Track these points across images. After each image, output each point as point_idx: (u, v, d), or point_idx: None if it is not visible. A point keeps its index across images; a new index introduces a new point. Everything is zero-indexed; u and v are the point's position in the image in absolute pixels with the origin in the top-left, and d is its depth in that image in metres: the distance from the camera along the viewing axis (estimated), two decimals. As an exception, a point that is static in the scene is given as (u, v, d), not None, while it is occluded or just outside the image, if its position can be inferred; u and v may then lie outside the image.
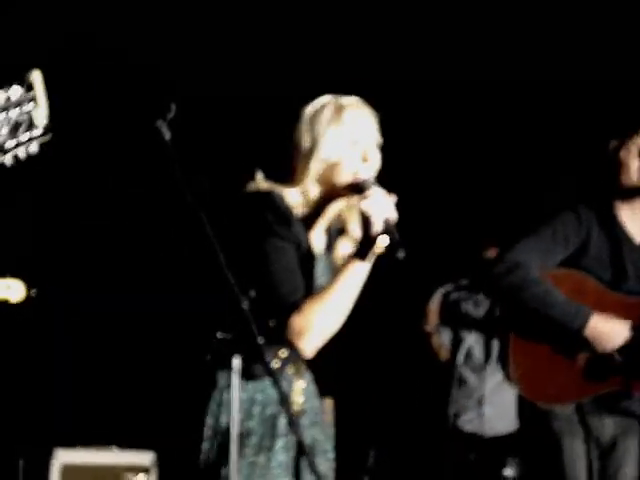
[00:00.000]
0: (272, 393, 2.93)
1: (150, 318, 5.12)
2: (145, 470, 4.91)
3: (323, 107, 3.06)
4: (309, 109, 3.06)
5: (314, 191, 3.02)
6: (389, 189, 2.95)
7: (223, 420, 2.90)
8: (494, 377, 5.38)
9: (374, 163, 3.04)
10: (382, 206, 2.91)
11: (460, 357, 5.33)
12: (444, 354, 5.40)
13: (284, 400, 2.71)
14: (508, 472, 5.02)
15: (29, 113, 2.39)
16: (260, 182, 3.03)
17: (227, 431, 2.80)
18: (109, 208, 5.09)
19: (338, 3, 5.24)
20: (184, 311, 4.77)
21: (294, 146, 3.05)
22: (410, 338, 5.54)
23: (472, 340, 5.40)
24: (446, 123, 5.61)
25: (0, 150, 2.40)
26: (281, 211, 2.95)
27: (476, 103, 5.53)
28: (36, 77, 2.39)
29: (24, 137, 2.40)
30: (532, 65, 5.39)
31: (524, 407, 4.11)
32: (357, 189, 2.98)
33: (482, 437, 5.28)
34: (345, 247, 3.11)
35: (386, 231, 2.89)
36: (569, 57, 5.38)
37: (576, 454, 3.99)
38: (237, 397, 2.66)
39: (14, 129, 2.39)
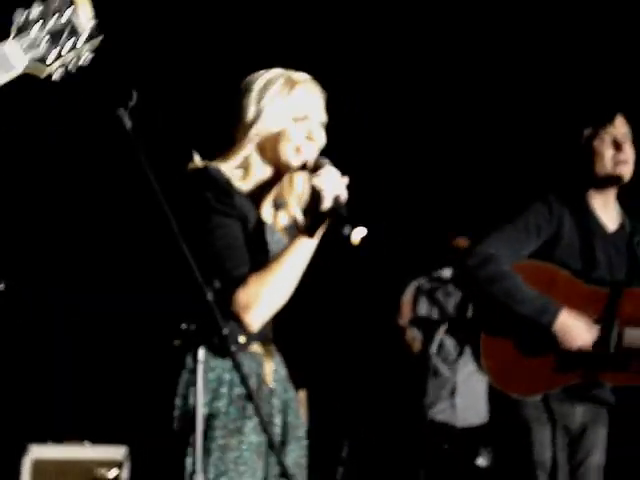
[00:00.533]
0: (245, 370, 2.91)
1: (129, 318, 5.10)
2: (118, 464, 4.88)
3: (273, 79, 3.05)
4: (258, 80, 3.05)
5: (257, 163, 3.02)
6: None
7: (191, 401, 2.86)
8: (466, 368, 5.38)
9: (319, 142, 3.04)
10: (334, 183, 2.91)
11: (433, 348, 5.33)
12: (417, 346, 5.39)
13: (244, 380, 2.69)
14: (481, 462, 5.02)
15: (70, 19, 2.31)
16: (197, 161, 3.01)
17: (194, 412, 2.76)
18: (83, 205, 5.06)
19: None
20: (155, 310, 4.76)
21: (237, 118, 3.04)
22: (384, 330, 5.52)
23: (444, 332, 5.39)
24: (418, 113, 5.59)
25: (42, 62, 2.31)
26: (219, 185, 2.94)
27: (448, 90, 5.51)
28: None
29: (67, 45, 2.32)
30: (505, 52, 5.38)
31: (495, 396, 4.13)
32: (309, 168, 2.99)
33: (454, 427, 5.28)
34: (283, 219, 3.12)
35: (335, 207, 2.89)
36: (543, 45, 5.36)
37: (545, 441, 4.02)
38: (201, 388, 2.62)
39: (54, 39, 2.30)
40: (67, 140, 4.65)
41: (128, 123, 2.60)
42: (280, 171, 3.06)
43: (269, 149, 3.03)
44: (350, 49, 5.30)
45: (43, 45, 2.30)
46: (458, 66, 5.47)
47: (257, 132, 3.01)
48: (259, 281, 2.88)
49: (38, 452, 4.87)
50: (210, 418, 2.88)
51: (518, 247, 4.01)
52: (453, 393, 5.33)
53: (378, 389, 5.59)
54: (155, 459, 3.02)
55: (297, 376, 3.11)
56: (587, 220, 4.10)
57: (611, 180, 4.09)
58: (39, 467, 4.85)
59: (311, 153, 3.01)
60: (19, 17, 2.31)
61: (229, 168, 3.00)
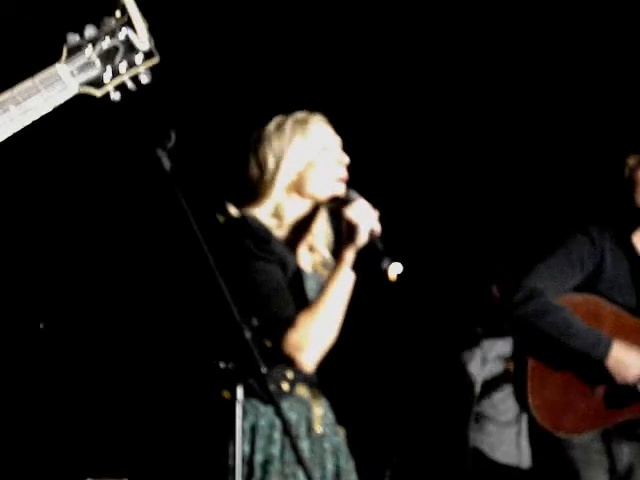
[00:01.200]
0: (292, 417, 2.94)
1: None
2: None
3: (281, 123, 3.09)
4: (267, 129, 3.09)
5: (289, 207, 3.05)
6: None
7: (246, 449, 2.91)
8: None
9: (346, 163, 3.08)
10: (368, 217, 2.95)
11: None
12: None
13: (287, 426, 2.68)
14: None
15: (125, 39, 2.32)
16: (232, 210, 3.03)
17: (250, 459, 2.85)
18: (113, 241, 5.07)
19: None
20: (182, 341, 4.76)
21: (258, 169, 3.06)
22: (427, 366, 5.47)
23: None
24: (450, 145, 5.56)
25: (98, 83, 2.33)
26: (259, 233, 2.97)
27: (483, 116, 5.48)
28: (127, 1, 2.32)
29: (124, 64, 2.33)
30: (548, 82, 5.35)
31: (540, 437, 4.03)
32: (340, 201, 3.02)
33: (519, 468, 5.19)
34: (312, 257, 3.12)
35: (371, 241, 2.93)
36: (584, 71, 5.34)
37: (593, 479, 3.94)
38: (240, 427, 2.61)
39: (110, 58, 2.32)
40: (106, 180, 4.67)
41: (167, 164, 2.61)
42: (312, 211, 3.08)
43: (301, 187, 3.06)
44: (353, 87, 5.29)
45: (97, 65, 2.32)
46: (496, 96, 5.45)
47: (285, 175, 3.04)
48: (307, 320, 2.91)
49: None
50: (265, 464, 2.90)
51: (563, 280, 3.96)
52: (519, 435, 5.21)
53: (418, 422, 5.54)
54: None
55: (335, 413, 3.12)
56: (629, 252, 4.05)
57: None
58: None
59: (346, 189, 3.04)
60: (71, 40, 2.34)
61: (263, 216, 3.02)
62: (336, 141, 3.12)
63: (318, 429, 3.00)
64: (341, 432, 3.11)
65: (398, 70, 5.35)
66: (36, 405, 5.06)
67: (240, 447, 2.62)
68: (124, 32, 2.32)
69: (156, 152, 2.59)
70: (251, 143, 3.11)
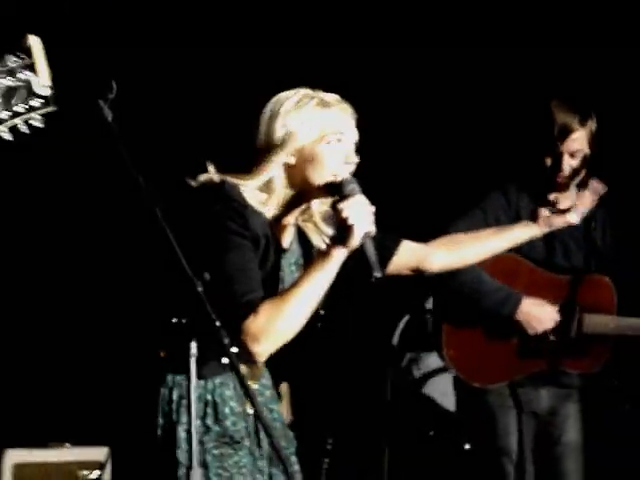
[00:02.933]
0: (225, 393, 2.84)
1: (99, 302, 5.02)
2: (100, 466, 4.81)
3: (303, 100, 2.89)
4: (287, 101, 2.89)
5: (282, 187, 2.87)
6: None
7: (174, 417, 2.81)
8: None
9: (354, 165, 2.89)
10: (365, 217, 2.75)
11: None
12: None
13: (248, 393, 2.59)
14: (469, 446, 5.00)
15: (26, 81, 2.24)
16: (212, 174, 2.86)
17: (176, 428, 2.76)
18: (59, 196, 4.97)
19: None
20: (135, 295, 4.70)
21: (264, 138, 2.89)
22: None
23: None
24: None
25: None
26: (235, 204, 2.79)
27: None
28: (34, 43, 2.24)
29: (20, 107, 2.25)
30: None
31: (459, 384, 4.21)
32: (337, 191, 2.82)
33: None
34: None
35: (363, 247, 2.74)
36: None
37: (509, 426, 4.11)
38: (194, 384, 2.56)
39: (6, 99, 2.24)
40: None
41: (109, 114, 2.53)
42: (304, 195, 2.92)
43: (299, 172, 2.87)
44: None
45: None
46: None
47: (288, 153, 2.86)
48: (271, 311, 2.72)
49: (18, 456, 4.80)
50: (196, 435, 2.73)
51: None
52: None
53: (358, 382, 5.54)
54: (137, 459, 2.97)
55: (279, 369, 3.05)
56: (542, 207, 4.09)
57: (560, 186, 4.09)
58: (19, 471, 4.77)
59: (350, 177, 2.83)
60: None
61: (250, 188, 2.85)
62: (353, 137, 2.91)
63: (249, 408, 2.87)
64: (276, 408, 3.00)
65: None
66: (14, 369, 4.97)
67: (195, 406, 2.56)
68: (26, 74, 2.25)
69: (98, 103, 2.52)
70: (267, 110, 2.91)
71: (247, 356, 2.74)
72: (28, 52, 2.24)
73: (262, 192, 2.87)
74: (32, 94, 2.26)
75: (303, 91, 2.92)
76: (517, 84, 5.16)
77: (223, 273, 2.74)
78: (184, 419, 2.80)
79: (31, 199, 4.93)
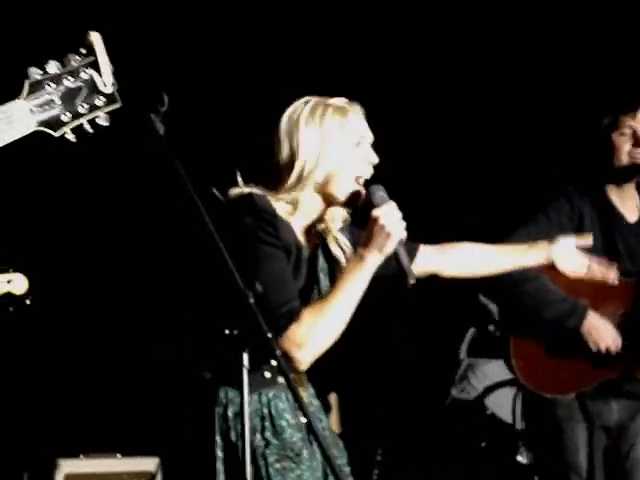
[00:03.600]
0: (279, 405, 2.83)
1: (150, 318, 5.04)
2: (150, 476, 4.83)
3: (316, 109, 2.90)
4: (304, 113, 2.90)
5: (309, 199, 2.89)
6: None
7: (232, 436, 2.80)
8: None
9: (374, 164, 2.93)
10: (398, 224, 2.77)
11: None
12: None
13: (301, 404, 2.56)
14: (521, 458, 4.96)
15: (88, 80, 2.24)
16: (241, 185, 2.88)
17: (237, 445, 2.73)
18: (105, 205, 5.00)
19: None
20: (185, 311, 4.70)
21: (289, 152, 2.88)
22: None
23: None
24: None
25: (56, 122, 2.24)
26: (264, 214, 2.80)
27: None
28: (95, 40, 2.23)
29: (85, 107, 2.25)
30: (521, 41, 5.30)
31: (526, 395, 4.14)
32: (366, 199, 2.85)
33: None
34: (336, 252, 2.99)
35: (397, 254, 2.76)
36: (554, 33, 5.29)
37: (578, 440, 4.01)
38: (247, 395, 2.55)
39: (69, 100, 2.23)
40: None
41: (161, 128, 2.54)
42: (326, 204, 2.93)
43: (327, 187, 2.89)
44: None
45: (58, 105, 2.24)
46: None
47: (321, 176, 2.87)
48: (313, 318, 2.75)
49: (70, 466, 4.83)
50: (257, 450, 2.78)
51: None
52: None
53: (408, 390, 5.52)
54: (187, 470, 2.97)
55: (328, 381, 3.04)
56: (607, 212, 4.08)
57: (628, 173, 4.06)
58: (72, 482, 4.81)
59: (377, 187, 2.85)
60: (33, 75, 2.24)
61: (276, 199, 2.87)
62: (369, 137, 2.94)
63: (302, 419, 2.87)
64: (325, 419, 3.01)
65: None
66: (28, 382, 5.00)
67: (248, 419, 2.55)
68: (88, 72, 2.24)
69: (149, 116, 2.52)
70: (283, 124, 2.91)
71: (289, 364, 2.74)
72: (90, 49, 2.24)
73: (288, 205, 2.89)
74: (96, 92, 2.25)
75: (313, 100, 2.93)
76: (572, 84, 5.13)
77: (263, 284, 2.70)
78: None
79: (85, 210, 4.96)
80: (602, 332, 3.96)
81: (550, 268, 3.88)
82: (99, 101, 2.26)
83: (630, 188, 4.12)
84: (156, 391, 5.02)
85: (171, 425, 4.16)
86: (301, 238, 2.92)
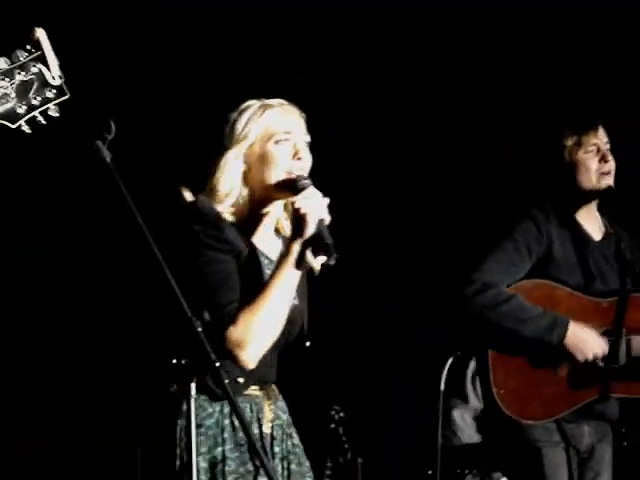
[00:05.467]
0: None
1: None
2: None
3: (247, 106, 3.00)
4: (234, 112, 3.00)
5: (244, 190, 2.95)
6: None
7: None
8: None
9: (306, 162, 2.96)
10: (316, 206, 2.84)
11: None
12: None
13: (245, 426, 2.57)
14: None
15: (38, 74, 2.32)
16: (186, 195, 2.94)
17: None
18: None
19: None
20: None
21: (218, 152, 2.97)
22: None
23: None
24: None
25: (14, 116, 2.31)
26: (210, 219, 2.87)
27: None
28: (41, 35, 2.31)
29: (37, 100, 2.32)
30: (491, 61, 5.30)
31: (500, 419, 4.00)
32: (292, 187, 2.90)
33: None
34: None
35: (319, 233, 2.81)
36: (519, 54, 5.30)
37: (557, 463, 3.96)
38: (194, 422, 2.55)
39: (23, 93, 2.31)
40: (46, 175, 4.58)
41: (108, 155, 2.53)
42: (265, 200, 2.98)
43: (256, 175, 2.95)
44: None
45: (12, 98, 2.31)
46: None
47: (238, 155, 2.95)
48: (247, 317, 2.80)
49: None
50: (216, 465, 2.81)
51: (513, 270, 3.95)
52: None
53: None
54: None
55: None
56: (575, 232, 4.07)
57: (597, 193, 4.05)
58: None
59: (302, 173, 2.93)
60: None
61: (217, 199, 2.93)
62: (301, 135, 2.98)
63: (267, 429, 2.91)
64: (295, 435, 3.02)
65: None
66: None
67: (195, 444, 2.55)
68: (37, 67, 2.33)
69: (95, 144, 2.52)
70: (223, 125, 3.02)
71: (235, 364, 2.80)
72: (37, 45, 2.31)
73: (227, 200, 2.93)
74: (46, 85, 2.33)
75: (249, 101, 3.02)
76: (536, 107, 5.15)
77: (205, 287, 2.82)
78: (203, 449, 2.82)
79: (30, 244, 4.91)
80: (588, 342, 3.90)
81: (523, 290, 3.93)
82: (50, 93, 2.35)
83: (593, 208, 4.11)
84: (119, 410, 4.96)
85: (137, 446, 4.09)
86: (262, 243, 2.98)
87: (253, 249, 2.95)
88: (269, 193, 2.96)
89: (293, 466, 2.95)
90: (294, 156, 2.95)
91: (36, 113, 2.33)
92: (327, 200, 2.86)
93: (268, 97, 3.03)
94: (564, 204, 4.07)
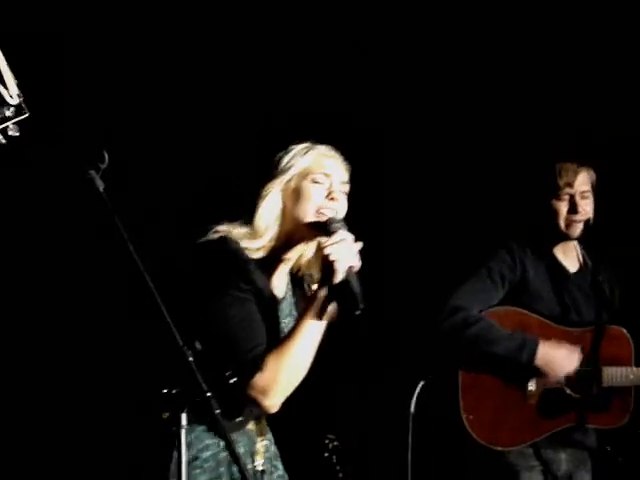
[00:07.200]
0: (240, 450, 2.84)
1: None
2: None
3: (292, 147, 2.99)
4: (280, 156, 2.99)
5: (277, 230, 2.92)
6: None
7: None
8: None
9: (341, 206, 2.93)
10: (346, 252, 2.78)
11: None
12: None
13: (239, 462, 2.57)
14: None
15: None
16: (214, 231, 2.90)
17: None
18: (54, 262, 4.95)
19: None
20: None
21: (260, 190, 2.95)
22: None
23: None
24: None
25: None
26: (236, 259, 2.83)
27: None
28: None
29: None
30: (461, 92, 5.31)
31: (476, 444, 4.05)
32: (323, 229, 2.86)
33: None
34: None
35: (347, 280, 2.76)
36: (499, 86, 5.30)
37: None
38: (185, 453, 2.53)
39: None
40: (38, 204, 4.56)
41: (101, 185, 2.54)
42: (293, 239, 2.94)
43: (288, 211, 2.92)
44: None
45: None
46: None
47: (277, 189, 2.92)
48: (275, 363, 2.77)
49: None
50: None
51: (485, 297, 4.03)
52: None
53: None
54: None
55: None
56: (550, 264, 4.13)
57: (565, 236, 4.12)
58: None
59: (331, 214, 2.89)
60: None
61: (256, 234, 2.90)
62: (339, 178, 2.96)
63: (259, 465, 2.92)
64: (280, 466, 3.03)
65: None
66: None
67: (186, 475, 2.54)
68: None
69: (89, 173, 2.53)
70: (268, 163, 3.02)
71: (259, 410, 2.79)
72: None
73: (253, 238, 2.89)
74: (3, 104, 2.30)
75: (297, 144, 3.00)
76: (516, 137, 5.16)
77: (228, 329, 2.79)
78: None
79: (28, 278, 4.89)
80: (559, 361, 3.95)
81: (495, 316, 3.96)
82: (8, 112, 2.31)
83: (570, 242, 4.18)
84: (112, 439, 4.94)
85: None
86: (277, 281, 2.95)
87: (270, 289, 2.92)
88: (299, 232, 2.92)
89: None
90: (328, 196, 2.92)
91: None
92: (359, 245, 2.81)
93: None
94: (540, 237, 4.14)
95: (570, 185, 4.07)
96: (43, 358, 4.87)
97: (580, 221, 4.08)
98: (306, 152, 2.96)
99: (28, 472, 4.89)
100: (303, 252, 3.01)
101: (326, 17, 5.12)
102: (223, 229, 2.89)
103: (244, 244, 2.86)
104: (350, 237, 2.80)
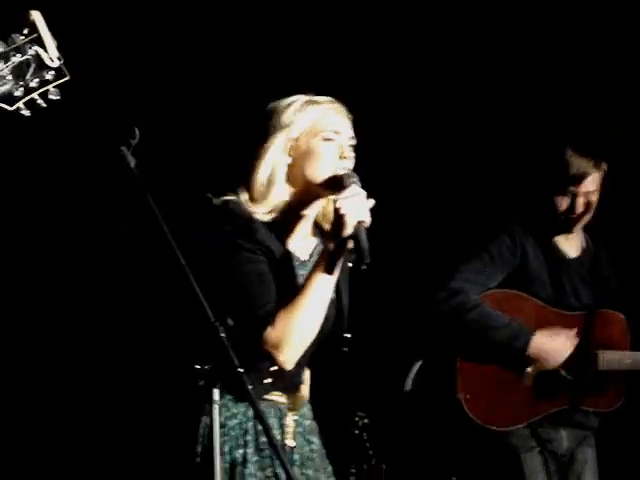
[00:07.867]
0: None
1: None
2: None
3: (294, 100, 2.92)
4: (278, 104, 2.93)
5: (284, 189, 2.89)
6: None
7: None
8: None
9: (351, 163, 2.89)
10: (357, 207, 2.76)
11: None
12: None
13: (268, 432, 2.55)
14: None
15: (35, 56, 2.28)
16: (215, 199, 2.88)
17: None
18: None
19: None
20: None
21: (258, 141, 2.90)
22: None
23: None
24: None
25: (11, 98, 2.27)
26: (241, 220, 2.82)
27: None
28: (37, 17, 2.27)
29: (35, 81, 2.29)
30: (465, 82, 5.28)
31: (476, 427, 4.07)
32: (335, 185, 2.83)
33: None
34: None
35: (356, 236, 2.74)
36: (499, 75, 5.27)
37: (535, 467, 4.04)
38: (217, 428, 2.55)
39: (20, 75, 2.27)
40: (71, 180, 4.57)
41: (132, 161, 2.54)
42: (305, 198, 2.91)
43: (299, 171, 2.88)
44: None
45: (9, 80, 2.27)
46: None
47: (284, 148, 2.87)
48: (285, 318, 2.76)
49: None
50: (236, 467, 2.79)
51: (485, 279, 4.04)
52: None
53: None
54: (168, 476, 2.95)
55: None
56: (549, 249, 4.14)
57: (564, 228, 4.12)
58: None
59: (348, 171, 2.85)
60: None
61: (256, 194, 2.86)
62: (347, 134, 2.91)
63: (289, 440, 2.90)
64: (315, 440, 3.00)
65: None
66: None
67: (218, 449, 2.55)
68: (33, 49, 2.28)
69: (120, 150, 2.53)
70: (261, 115, 2.94)
71: (274, 364, 2.79)
72: (33, 27, 2.27)
73: (262, 202, 2.87)
74: (44, 67, 2.29)
75: (295, 96, 2.94)
76: (528, 124, 5.12)
77: (240, 289, 2.79)
78: (226, 448, 2.81)
79: (55, 253, 4.92)
80: (552, 352, 3.98)
81: (493, 299, 3.98)
82: (48, 75, 2.30)
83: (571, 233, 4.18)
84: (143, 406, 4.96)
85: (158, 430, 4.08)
86: (299, 242, 2.93)
87: (286, 250, 2.90)
88: (312, 190, 2.88)
89: (310, 472, 2.94)
90: (341, 156, 2.88)
91: (35, 95, 2.29)
92: (371, 202, 2.78)
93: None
94: (542, 222, 4.14)
95: (576, 184, 4.04)
96: (80, 327, 4.91)
97: (577, 219, 4.08)
98: (310, 107, 2.90)
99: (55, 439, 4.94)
100: (322, 209, 2.98)
101: (326, 1, 5.11)
102: (230, 197, 2.87)
103: (251, 208, 2.85)
104: (363, 193, 2.78)
